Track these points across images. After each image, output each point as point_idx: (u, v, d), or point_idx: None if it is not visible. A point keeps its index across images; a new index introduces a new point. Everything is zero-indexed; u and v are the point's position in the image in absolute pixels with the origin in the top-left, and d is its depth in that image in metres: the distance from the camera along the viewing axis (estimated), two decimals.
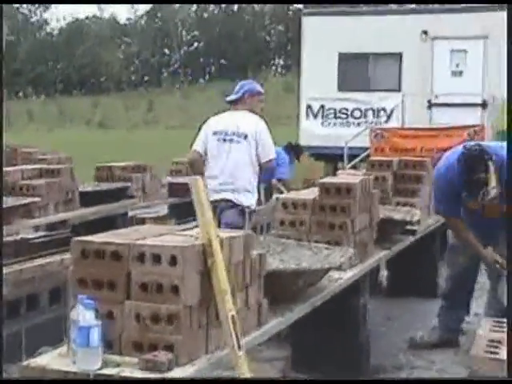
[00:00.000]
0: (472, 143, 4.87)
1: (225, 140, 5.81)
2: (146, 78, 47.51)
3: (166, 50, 48.66)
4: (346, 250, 4.29)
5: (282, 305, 3.75)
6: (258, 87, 6.10)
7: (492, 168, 4.58)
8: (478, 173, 4.57)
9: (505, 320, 2.89)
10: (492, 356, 2.36)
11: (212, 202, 4.39)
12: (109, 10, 55.17)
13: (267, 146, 5.78)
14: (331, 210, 4.73)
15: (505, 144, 4.88)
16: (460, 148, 4.85)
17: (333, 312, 4.75)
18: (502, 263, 4.92)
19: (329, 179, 5.16)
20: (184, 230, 3.31)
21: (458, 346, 5.47)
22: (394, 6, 22.23)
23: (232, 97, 6.02)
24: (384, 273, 7.49)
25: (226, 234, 3.17)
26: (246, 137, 5.76)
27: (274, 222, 4.88)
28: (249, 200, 5.71)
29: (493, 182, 4.57)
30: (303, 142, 14.73)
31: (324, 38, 16.18)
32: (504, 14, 15.63)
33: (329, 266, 3.96)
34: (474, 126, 14.63)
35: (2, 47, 6.89)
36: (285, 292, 3.77)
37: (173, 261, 2.86)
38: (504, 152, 4.81)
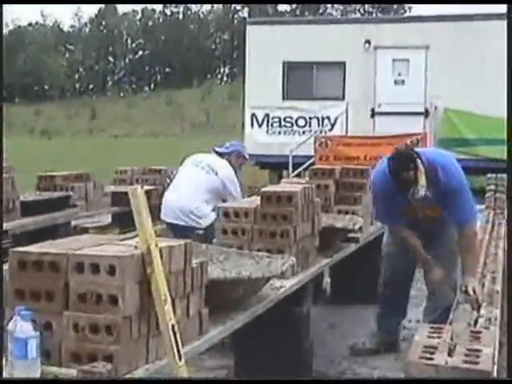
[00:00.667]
0: (402, 146, 4.98)
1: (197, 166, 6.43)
2: (90, 86, 47.12)
3: (111, 58, 48.38)
4: (287, 258, 4.31)
5: (223, 313, 3.75)
6: (246, 153, 6.90)
7: (421, 167, 4.61)
8: (406, 170, 4.59)
9: (442, 326, 2.94)
10: (427, 362, 2.40)
11: None
12: (52, 16, 54.69)
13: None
14: (273, 219, 4.75)
15: (438, 150, 5.01)
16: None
17: (276, 320, 4.77)
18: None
19: (270, 188, 5.17)
20: (124, 239, 3.29)
21: (398, 351, 5.55)
22: (338, 16, 22.50)
23: (221, 149, 6.63)
24: (327, 280, 7.56)
25: (165, 242, 3.16)
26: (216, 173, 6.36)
27: (216, 231, 4.88)
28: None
29: (422, 180, 4.60)
30: (248, 150, 14.76)
31: (269, 47, 16.29)
32: (446, 25, 16.02)
33: (270, 274, 3.98)
34: (416, 134, 14.86)
35: (2, 47, 6.94)
36: (226, 301, 3.78)
37: (111, 270, 2.85)
38: (438, 156, 4.92)
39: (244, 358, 5.11)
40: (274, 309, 4.32)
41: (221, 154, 6.57)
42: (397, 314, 5.67)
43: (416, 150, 4.92)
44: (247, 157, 6.90)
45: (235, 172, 6.51)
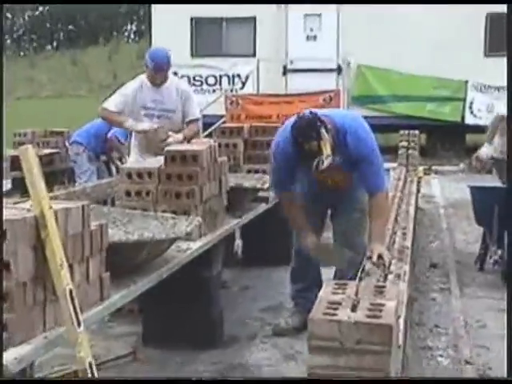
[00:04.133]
0: (306, 111, 4.61)
1: None
2: None
3: (9, 15, 46.94)
4: (193, 219, 4.30)
5: (126, 278, 3.72)
6: None
7: (326, 136, 4.42)
8: (309, 141, 4.40)
9: (347, 282, 2.99)
10: (330, 318, 2.44)
11: None
12: None
13: None
14: (178, 179, 4.73)
15: (348, 112, 4.89)
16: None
17: (185, 284, 4.79)
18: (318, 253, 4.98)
19: (174, 147, 5.13)
20: (16, 202, 3.22)
21: None
22: None
23: None
24: (239, 242, 7.60)
25: (60, 205, 3.11)
26: None
27: (119, 193, 4.83)
28: None
29: (327, 150, 4.41)
30: None
31: (175, 2, 16.08)
32: None
33: (175, 235, 3.96)
34: (329, 91, 15.01)
35: (2, 47, 6.66)
36: (129, 264, 3.75)
37: (3, 235, 2.79)
38: (348, 120, 4.75)
39: (152, 323, 5.11)
40: (181, 272, 4.32)
41: None
42: (312, 288, 5.35)
43: (323, 113, 4.69)
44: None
45: None
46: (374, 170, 4.72)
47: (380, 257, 4.37)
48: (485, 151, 8.62)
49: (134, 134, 6.33)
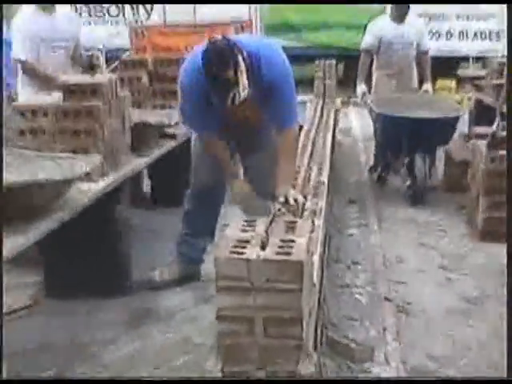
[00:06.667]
0: (219, 36, 4.26)
1: None
2: None
3: None
4: (93, 158, 4.21)
5: (23, 223, 3.64)
6: None
7: (242, 64, 4.12)
8: (224, 70, 4.07)
9: (256, 219, 2.97)
10: (237, 256, 2.42)
11: None
12: None
13: None
14: (76, 115, 4.62)
15: (263, 38, 4.59)
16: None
17: (88, 228, 4.71)
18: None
19: (71, 78, 4.96)
20: None
21: (199, 278, 5.37)
22: None
23: None
24: (148, 182, 7.53)
25: None
26: None
27: (9, 132, 4.68)
28: None
29: (243, 80, 4.13)
30: None
31: None
32: None
33: (72, 176, 3.88)
34: (240, 21, 14.85)
35: (2, 49, 6.32)
36: (25, 209, 3.66)
37: None
38: (262, 46, 4.48)
39: (54, 272, 5.04)
40: (84, 215, 4.24)
41: None
42: (203, 237, 5.32)
43: (237, 39, 4.36)
44: None
45: None
46: (285, 102, 4.50)
47: (295, 201, 4.22)
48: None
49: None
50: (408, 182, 7.72)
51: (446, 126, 7.53)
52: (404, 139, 7.50)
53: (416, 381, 3.99)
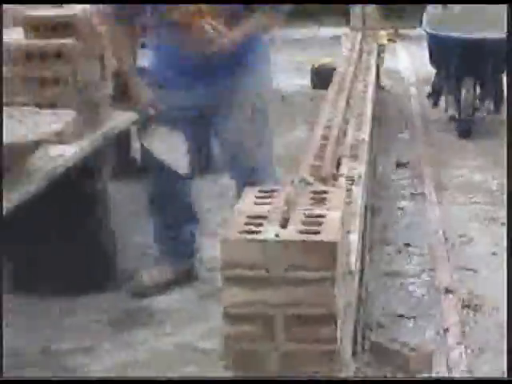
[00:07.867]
0: None
1: None
2: None
3: None
4: (64, 114, 4.24)
5: None
6: None
7: None
8: None
9: (275, 188, 2.94)
10: (250, 237, 2.39)
11: None
12: None
13: None
14: (42, 59, 4.63)
15: None
16: None
17: (60, 205, 4.73)
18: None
19: (37, 11, 4.97)
20: None
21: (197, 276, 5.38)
22: None
23: None
24: (137, 145, 7.52)
25: None
26: None
27: None
28: None
29: None
30: None
31: None
32: None
33: (38, 137, 3.89)
34: None
35: (2, 47, 6.43)
36: None
37: None
38: None
39: (21, 263, 5.06)
40: (54, 189, 4.25)
41: None
42: (183, 222, 5.24)
43: None
44: None
45: None
46: None
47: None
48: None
49: None
50: (450, 112, 8.26)
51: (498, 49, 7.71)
52: (453, 60, 8.02)
53: (416, 381, 4.03)
